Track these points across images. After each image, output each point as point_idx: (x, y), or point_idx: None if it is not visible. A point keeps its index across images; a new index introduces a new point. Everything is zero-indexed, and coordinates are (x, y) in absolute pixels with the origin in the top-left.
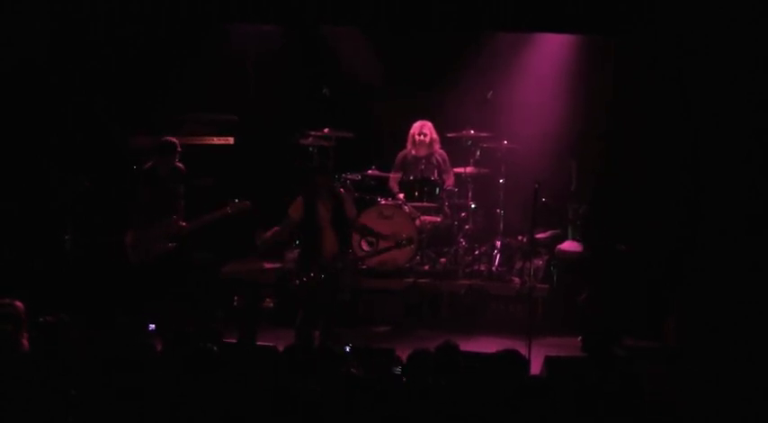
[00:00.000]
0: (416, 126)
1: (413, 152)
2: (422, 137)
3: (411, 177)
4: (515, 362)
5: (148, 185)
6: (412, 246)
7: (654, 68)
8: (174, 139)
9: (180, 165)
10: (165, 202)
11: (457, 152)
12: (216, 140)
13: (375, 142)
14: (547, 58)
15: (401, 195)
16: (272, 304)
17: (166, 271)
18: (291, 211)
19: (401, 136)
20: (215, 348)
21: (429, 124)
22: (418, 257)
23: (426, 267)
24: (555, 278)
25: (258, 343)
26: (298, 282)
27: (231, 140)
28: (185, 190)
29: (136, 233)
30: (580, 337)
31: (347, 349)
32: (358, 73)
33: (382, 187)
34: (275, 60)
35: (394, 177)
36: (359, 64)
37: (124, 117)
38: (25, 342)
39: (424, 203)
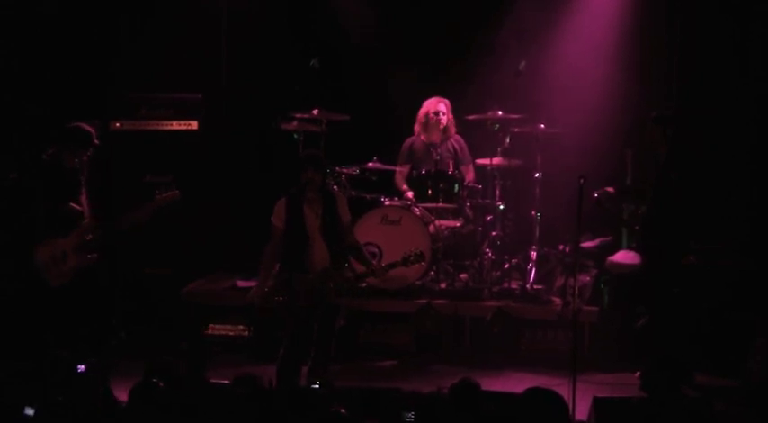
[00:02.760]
0: (430, 102)
1: (422, 137)
2: (437, 116)
3: (423, 171)
4: (549, 404)
5: (51, 182)
6: (422, 262)
7: (733, 30)
8: (90, 129)
9: (85, 159)
10: (73, 203)
11: (480, 139)
12: (176, 125)
13: (377, 127)
14: (594, 19)
15: (410, 194)
16: (247, 332)
17: (90, 290)
18: (274, 218)
19: (410, 119)
20: (160, 384)
21: (446, 102)
22: (433, 272)
23: (443, 285)
24: (606, 298)
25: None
26: (280, 298)
27: (195, 125)
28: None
29: (47, 246)
30: (638, 373)
31: (315, 386)
32: (356, 38)
33: (386, 184)
34: (252, 23)
35: (401, 171)
36: (357, 26)
37: (65, 98)
38: None
39: (440, 204)
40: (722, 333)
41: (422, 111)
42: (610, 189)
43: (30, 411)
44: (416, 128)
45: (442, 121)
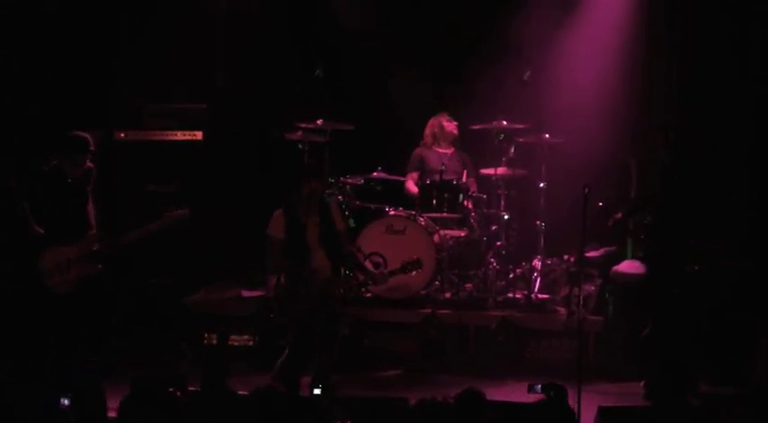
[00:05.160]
0: (440, 116)
1: (434, 148)
2: (449, 127)
3: (428, 180)
4: (557, 412)
5: (53, 191)
6: (420, 269)
7: (733, 30)
8: (87, 135)
9: (91, 164)
10: (77, 213)
11: (485, 149)
12: (180, 135)
13: (381, 137)
14: (598, 28)
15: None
16: (251, 342)
17: (93, 298)
18: (272, 229)
19: (414, 129)
20: (178, 394)
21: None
22: (438, 282)
23: (448, 295)
24: (610, 308)
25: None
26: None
27: (199, 135)
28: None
29: (51, 253)
30: (643, 383)
31: (316, 392)
32: (359, 45)
33: (391, 194)
34: (254, 29)
35: (412, 176)
36: (359, 32)
37: (66, 101)
38: None
39: (444, 214)
40: (724, 335)
41: (433, 122)
42: (618, 215)
43: (65, 401)
44: (428, 139)
45: (453, 131)
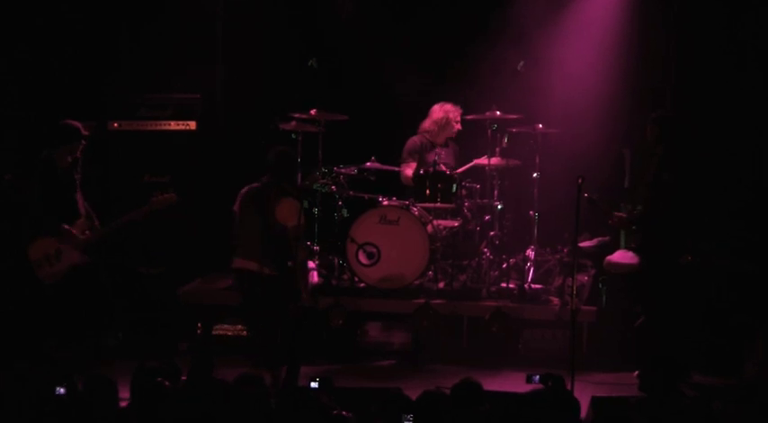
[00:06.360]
0: (450, 109)
1: (435, 139)
2: (456, 124)
3: (421, 171)
4: (559, 403)
5: (45, 180)
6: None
7: (730, 26)
8: (78, 123)
9: (78, 155)
10: (68, 202)
11: (478, 139)
12: (174, 126)
13: (375, 127)
14: (593, 18)
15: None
16: (245, 332)
17: (85, 289)
18: (302, 218)
19: (408, 119)
20: (167, 384)
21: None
22: (431, 273)
23: (441, 285)
24: (604, 298)
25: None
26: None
27: (193, 125)
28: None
29: (40, 244)
30: (636, 373)
31: (313, 385)
32: (354, 36)
33: (384, 184)
34: (250, 21)
35: (411, 166)
36: (355, 24)
37: (62, 97)
38: None
39: (438, 204)
40: (718, 332)
41: (442, 114)
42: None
43: (61, 390)
44: (431, 127)
45: (453, 135)
